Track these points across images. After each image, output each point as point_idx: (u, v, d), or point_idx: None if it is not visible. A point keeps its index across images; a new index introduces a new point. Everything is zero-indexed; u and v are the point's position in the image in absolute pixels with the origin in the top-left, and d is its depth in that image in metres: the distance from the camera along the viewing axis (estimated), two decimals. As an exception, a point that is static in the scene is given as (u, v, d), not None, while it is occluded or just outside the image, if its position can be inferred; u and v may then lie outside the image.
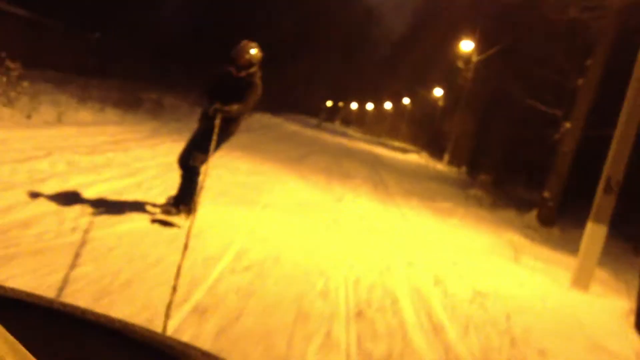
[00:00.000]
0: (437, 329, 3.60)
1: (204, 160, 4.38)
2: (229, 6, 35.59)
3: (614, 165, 5.94)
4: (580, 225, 6.41)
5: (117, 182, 5.36)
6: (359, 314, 3.54)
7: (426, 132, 34.07)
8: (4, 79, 8.25)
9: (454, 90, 27.30)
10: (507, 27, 17.97)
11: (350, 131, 42.75)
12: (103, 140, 7.68)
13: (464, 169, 20.98)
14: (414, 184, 13.17)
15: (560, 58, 11.97)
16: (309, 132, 24.08)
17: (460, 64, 23.68)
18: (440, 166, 21.94)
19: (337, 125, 48.79)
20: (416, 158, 24.58)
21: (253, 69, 4.58)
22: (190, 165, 4.55)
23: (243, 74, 4.53)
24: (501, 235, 8.40)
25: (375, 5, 68.48)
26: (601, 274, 6.40)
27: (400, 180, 13.36)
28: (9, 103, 8.01)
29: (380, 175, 13.26)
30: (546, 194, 11.20)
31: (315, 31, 48.44)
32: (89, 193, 4.68)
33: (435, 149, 27.57)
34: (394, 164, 19.03)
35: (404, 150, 29.27)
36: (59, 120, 8.17)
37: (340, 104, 65.11)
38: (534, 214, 11.36)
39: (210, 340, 2.68)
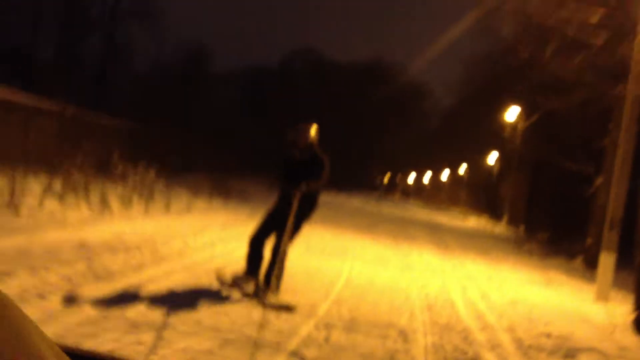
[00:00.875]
0: (479, 317, 5.75)
1: (288, 240, 4.90)
2: (289, 88, 39.60)
3: (614, 206, 7.99)
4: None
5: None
6: (429, 308, 5.76)
7: (484, 197, 35.84)
8: (144, 180, 11.17)
9: (506, 155, 29.33)
10: (549, 93, 20.14)
11: (410, 203, 44.77)
12: (223, 221, 10.32)
13: (521, 228, 22.63)
14: (471, 242, 15.17)
15: (588, 120, 14.07)
16: (372, 206, 26.43)
17: (507, 132, 25.85)
18: (499, 228, 23.66)
19: (396, 198, 50.99)
20: (475, 222, 26.39)
21: (314, 149, 5.04)
22: (279, 247, 4.94)
23: (306, 156, 5.02)
24: (545, 274, 10.32)
25: (425, 81, 72.51)
26: (619, 292, 8.27)
27: (459, 240, 15.39)
28: (151, 199, 10.84)
29: (441, 237, 15.34)
30: (589, 241, 12.99)
31: (370, 110, 52.12)
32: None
33: (493, 213, 29.33)
34: (453, 228, 21.01)
35: (464, 216, 31.05)
36: (189, 210, 10.94)
37: (398, 177, 67.62)
38: (580, 259, 13.11)
39: (345, 315, 4.97)
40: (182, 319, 3.98)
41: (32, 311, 3.04)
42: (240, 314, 4.41)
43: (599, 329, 5.95)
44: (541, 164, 20.92)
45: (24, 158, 9.20)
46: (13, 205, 6.80)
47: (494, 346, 4.64)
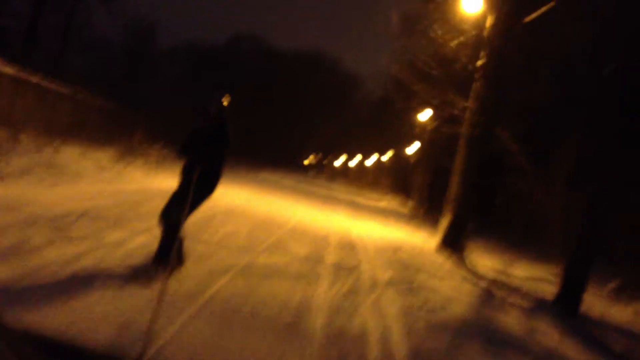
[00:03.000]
0: (361, 240, 11.46)
1: (183, 215, 4.64)
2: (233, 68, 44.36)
3: (450, 192, 13.95)
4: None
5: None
6: (339, 237, 11.43)
7: (401, 182, 42.40)
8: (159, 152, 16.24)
9: (421, 148, 35.79)
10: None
11: (335, 184, 50.84)
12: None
13: (411, 205, 29.04)
14: (376, 214, 21.17)
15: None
16: (303, 185, 32.14)
17: (419, 129, 32.17)
18: (405, 208, 30.01)
19: (323, 179, 57.06)
20: (388, 202, 32.68)
21: (222, 118, 4.95)
22: (173, 222, 4.72)
23: (212, 125, 4.91)
24: (410, 230, 16.31)
25: (358, 71, 79.03)
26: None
27: (368, 212, 21.37)
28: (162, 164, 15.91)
29: (355, 209, 21.23)
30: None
31: (307, 97, 57.79)
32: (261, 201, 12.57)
33: (406, 196, 35.80)
34: (367, 205, 27.11)
35: (380, 197, 37.36)
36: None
37: (325, 161, 73.90)
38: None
39: (296, 234, 10.50)
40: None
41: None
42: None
43: (419, 246, 11.93)
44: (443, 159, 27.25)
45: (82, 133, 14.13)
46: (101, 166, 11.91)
47: (364, 249, 10.37)
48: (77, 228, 5.96)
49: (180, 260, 5.06)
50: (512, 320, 6.75)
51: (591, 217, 8.47)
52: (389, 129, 51.71)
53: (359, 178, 61.51)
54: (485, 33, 12.27)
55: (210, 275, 5.37)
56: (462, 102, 13.32)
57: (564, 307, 8.21)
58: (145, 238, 6.08)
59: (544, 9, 10.40)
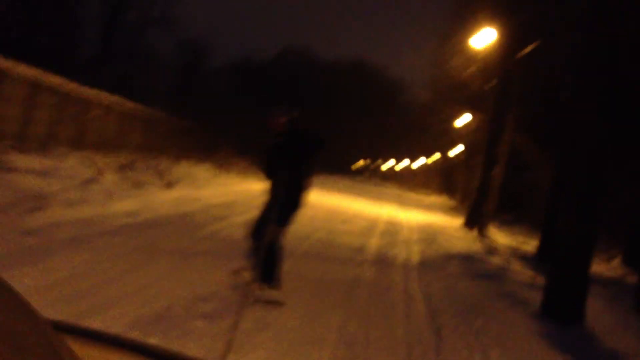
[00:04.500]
0: (407, 222, 15.94)
1: (276, 230, 4.90)
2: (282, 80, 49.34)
3: (486, 187, 18.27)
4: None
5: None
6: (388, 220, 15.99)
7: (447, 182, 46.52)
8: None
9: (464, 151, 39.93)
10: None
11: (386, 185, 55.29)
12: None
13: (457, 198, 33.17)
14: (422, 207, 25.57)
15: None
16: (357, 185, 36.80)
17: (459, 133, 36.32)
18: (449, 203, 34.24)
19: (374, 182, 61.61)
20: (431, 200, 36.97)
21: (296, 130, 5.00)
22: (267, 241, 4.80)
23: (288, 138, 4.97)
24: (451, 217, 20.62)
25: (403, 76, 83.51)
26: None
27: (415, 205, 25.81)
28: (229, 172, 20.83)
29: (403, 202, 25.69)
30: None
31: (353, 105, 62.51)
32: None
33: (451, 194, 40.00)
34: (414, 199, 31.54)
35: (425, 196, 41.65)
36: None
37: (374, 165, 78.49)
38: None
39: (351, 217, 15.10)
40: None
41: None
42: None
43: (448, 224, 16.38)
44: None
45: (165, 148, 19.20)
46: (192, 176, 16.84)
47: (405, 224, 14.86)
48: (236, 208, 10.78)
49: (274, 278, 5.04)
50: (495, 260, 11.14)
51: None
52: (434, 132, 55.81)
53: (408, 180, 65.59)
54: (493, 62, 16.67)
55: (313, 232, 10.03)
56: (480, 114, 17.71)
57: (541, 257, 12.49)
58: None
59: (529, 47, 14.66)
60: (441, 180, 52.62)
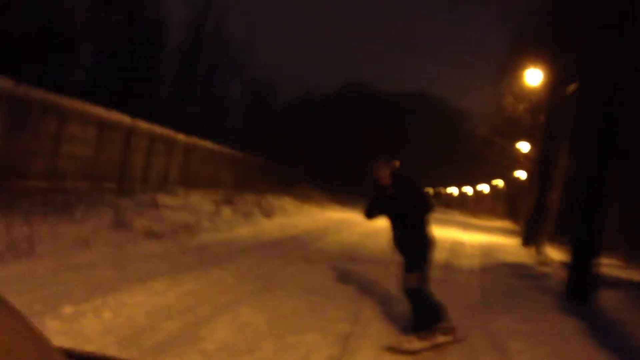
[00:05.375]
0: (470, 243, 18.35)
1: (409, 277, 5.09)
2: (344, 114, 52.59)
3: (541, 209, 20.49)
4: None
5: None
6: (453, 241, 18.48)
7: (509, 207, 48.13)
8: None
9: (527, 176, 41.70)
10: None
11: (451, 210, 57.24)
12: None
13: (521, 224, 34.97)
14: (484, 230, 27.73)
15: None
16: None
17: (520, 158, 38.28)
18: (511, 228, 36.10)
19: (439, 207, 63.63)
20: (496, 224, 38.87)
21: (399, 182, 5.17)
22: (409, 289, 5.06)
23: (394, 191, 5.15)
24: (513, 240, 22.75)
25: (466, 105, 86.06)
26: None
27: (477, 229, 28.00)
28: (307, 203, 23.74)
29: (466, 227, 27.92)
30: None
31: (417, 135, 65.00)
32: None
33: (514, 219, 41.71)
34: (477, 224, 33.70)
35: (489, 221, 43.50)
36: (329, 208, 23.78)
37: (442, 190, 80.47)
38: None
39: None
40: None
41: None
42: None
43: (507, 244, 18.68)
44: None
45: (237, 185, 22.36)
46: (265, 209, 19.83)
47: (468, 244, 17.29)
48: (327, 231, 13.64)
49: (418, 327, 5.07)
50: (544, 269, 13.45)
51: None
52: (493, 161, 57.50)
53: (473, 206, 67.10)
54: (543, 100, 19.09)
55: (362, 237, 12.71)
56: (535, 144, 20.07)
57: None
58: (356, 238, 13.62)
59: (573, 86, 17.02)
60: (505, 206, 54.16)
